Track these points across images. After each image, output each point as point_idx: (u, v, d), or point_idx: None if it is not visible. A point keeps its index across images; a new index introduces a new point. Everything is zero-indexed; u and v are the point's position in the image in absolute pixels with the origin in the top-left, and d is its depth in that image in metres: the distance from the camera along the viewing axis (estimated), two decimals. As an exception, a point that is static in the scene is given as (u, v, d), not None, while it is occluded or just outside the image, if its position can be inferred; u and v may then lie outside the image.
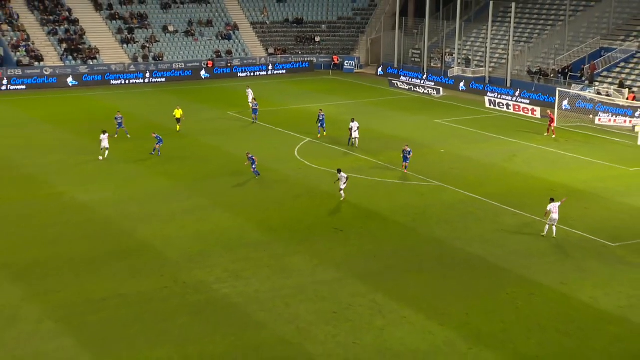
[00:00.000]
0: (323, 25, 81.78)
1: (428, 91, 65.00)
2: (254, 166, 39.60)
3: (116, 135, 47.16)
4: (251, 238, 32.08)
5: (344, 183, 36.05)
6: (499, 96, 60.87)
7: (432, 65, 72.12)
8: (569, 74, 61.29)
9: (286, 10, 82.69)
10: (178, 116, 49.54)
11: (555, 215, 31.30)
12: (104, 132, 43.57)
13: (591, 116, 53.53)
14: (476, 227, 33.34)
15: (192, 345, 23.58)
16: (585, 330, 24.39)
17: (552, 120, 48.72)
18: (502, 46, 69.85)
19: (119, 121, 48.10)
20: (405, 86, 67.30)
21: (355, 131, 45.79)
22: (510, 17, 66.28)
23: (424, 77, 69.71)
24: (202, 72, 72.70)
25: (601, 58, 61.62)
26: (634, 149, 46.16)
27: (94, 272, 28.64)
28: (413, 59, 74.47)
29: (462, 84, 66.39)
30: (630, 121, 51.07)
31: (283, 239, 31.97)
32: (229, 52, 76.02)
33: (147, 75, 70.88)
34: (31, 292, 27.01)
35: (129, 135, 47.89)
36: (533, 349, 23.39)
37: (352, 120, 46.12)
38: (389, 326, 24.68)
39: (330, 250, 30.91)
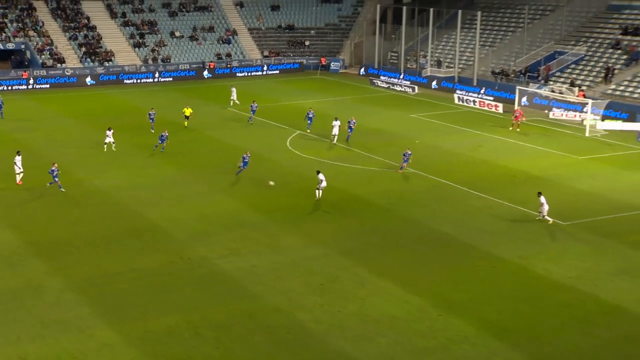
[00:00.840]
0: (312, 31, 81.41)
1: (404, 89, 64.90)
2: (243, 166, 37.24)
3: (152, 131, 46.39)
4: (248, 219, 32.04)
5: (321, 184, 33.73)
6: (466, 93, 60.85)
7: (408, 66, 71.97)
8: (527, 74, 61.33)
9: (279, 17, 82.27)
10: (187, 114, 48.98)
11: (546, 206, 30.90)
12: (110, 129, 43.13)
13: (546, 111, 53.61)
14: (447, 209, 33.40)
15: (196, 312, 23.59)
16: (539, 298, 24.54)
17: (518, 116, 48.36)
18: (469, 50, 69.77)
19: (152, 117, 47.41)
20: (384, 85, 67.15)
21: (335, 128, 45.09)
22: (477, 24, 66.20)
23: (401, 76, 69.57)
24: (205, 73, 72.28)
25: (555, 60, 61.70)
26: (583, 140, 46.32)
27: (110, 249, 28.56)
28: (391, 61, 74.30)
29: (434, 82, 66.29)
30: (580, 115, 51.17)
31: (277, 220, 31.95)
32: (228, 55, 75.64)
33: (156, 75, 70.43)
34: (54, 266, 26.92)
35: (152, 130, 47.06)
36: (494, 314, 23.52)
37: (335, 119, 45.76)
38: (370, 296, 24.74)
39: (318, 229, 30.91)
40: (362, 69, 74.91)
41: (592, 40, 62.81)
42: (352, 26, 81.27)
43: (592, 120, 48.61)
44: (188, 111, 48.96)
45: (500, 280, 25.97)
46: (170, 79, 70.81)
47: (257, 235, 30.13)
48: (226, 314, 23.59)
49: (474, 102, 57.68)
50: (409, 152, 38.78)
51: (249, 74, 74.18)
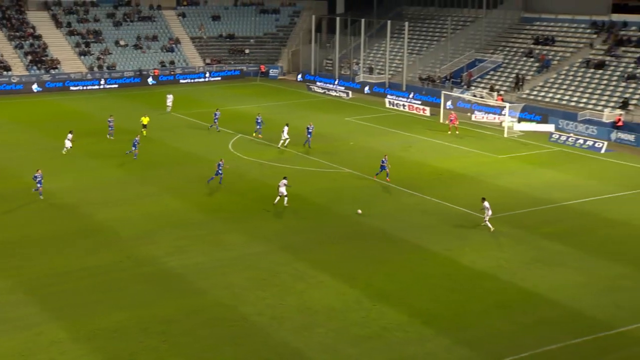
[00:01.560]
0: (251, 40, 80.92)
1: (339, 94, 65.21)
2: (220, 172, 35.67)
3: (111, 137, 44.74)
4: (194, 219, 31.61)
5: (284, 189, 32.66)
6: (396, 98, 61.55)
7: (342, 72, 72.31)
8: (451, 79, 62.49)
9: (220, 27, 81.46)
10: (145, 122, 46.73)
11: (489, 212, 30.00)
12: (71, 132, 41.93)
13: (469, 114, 54.72)
14: (380, 206, 33.70)
15: (144, 309, 23.12)
16: (465, 286, 25.01)
17: (453, 120, 48.80)
18: (398, 57, 70.61)
19: (111, 124, 45.62)
20: (320, 90, 67.31)
21: (284, 133, 44.50)
22: (404, 34, 67.06)
23: (336, 82, 69.84)
24: (150, 79, 70.95)
25: (476, 67, 63.07)
26: (502, 141, 47.47)
27: (59, 250, 27.70)
28: (326, 68, 74.53)
29: (367, 88, 66.83)
30: (499, 118, 52.42)
31: (221, 219, 31.63)
32: (172, 62, 74.47)
33: (102, 82, 68.70)
34: (3, 267, 25.92)
35: (111, 137, 45.23)
36: (425, 303, 23.85)
37: (286, 125, 45.14)
38: (309, 289, 24.73)
39: (260, 227, 30.75)
40: (300, 76, 74.92)
41: (508, 49, 64.47)
42: (289, 35, 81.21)
43: (510, 122, 49.86)
44: (146, 120, 47.15)
45: (429, 271, 26.36)
46: (116, 85, 69.21)
47: (202, 234, 29.75)
48: (173, 309, 23.18)
49: (404, 105, 58.42)
50: (385, 160, 36.55)
51: (192, 80, 73.21)
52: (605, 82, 54.24)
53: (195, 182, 37.00)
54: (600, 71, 55.39)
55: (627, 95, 51.46)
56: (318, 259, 27.31)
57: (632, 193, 35.63)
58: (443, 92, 56.03)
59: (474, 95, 56.67)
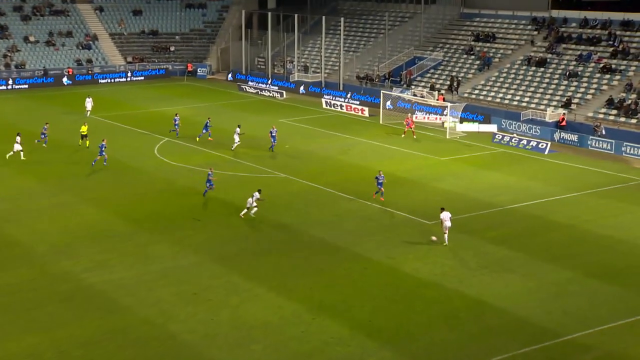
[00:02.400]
0: (177, 36, 79.88)
1: (273, 94, 65.09)
2: (209, 185, 35.18)
3: (44, 145, 42.95)
4: (116, 230, 30.84)
5: (252, 200, 32.07)
6: (333, 98, 61.89)
7: (276, 71, 72.21)
8: (391, 78, 63.29)
9: (142, 22, 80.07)
10: (84, 131, 43.75)
11: (448, 223, 29.69)
12: (18, 134, 41.16)
13: (409, 114, 55.44)
14: (317, 213, 33.71)
15: (61, 330, 22.35)
16: (409, 296, 25.24)
17: (410, 124, 48.83)
18: (334, 55, 71.04)
19: (45, 132, 43.55)
20: (252, 90, 67.02)
21: (236, 136, 44.30)
22: (340, 30, 67.53)
23: (269, 82, 69.72)
24: (64, 79, 69.04)
25: (415, 65, 64.10)
26: (444, 142, 48.32)
27: (-38, 269, 26.47)
28: (259, 66, 74.29)
29: (302, 87, 66.95)
30: (440, 118, 53.37)
31: (146, 230, 30.98)
32: (89, 61, 72.70)
33: (10, 82, 66.41)
34: None
35: (44, 145, 43.44)
36: (367, 314, 23.94)
37: (238, 126, 45.03)
38: (244, 303, 24.47)
39: (189, 237, 30.28)
40: (230, 75, 74.43)
41: (447, 46, 65.81)
42: (217, 32, 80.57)
43: (452, 122, 50.84)
44: (85, 128, 43.66)
45: (371, 280, 26.49)
46: (26, 86, 67.03)
47: (125, 246, 29.07)
48: (94, 330, 22.49)
49: (341, 106, 58.77)
50: (382, 176, 35.09)
51: (112, 80, 71.65)
52: (547, 80, 56.03)
53: (118, 190, 36.12)
54: (542, 69, 57.20)
55: (569, 94, 53.30)
56: (253, 270, 27.07)
57: (577, 195, 36.86)
58: (382, 91, 56.68)
59: (414, 95, 57.53)
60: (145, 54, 76.94)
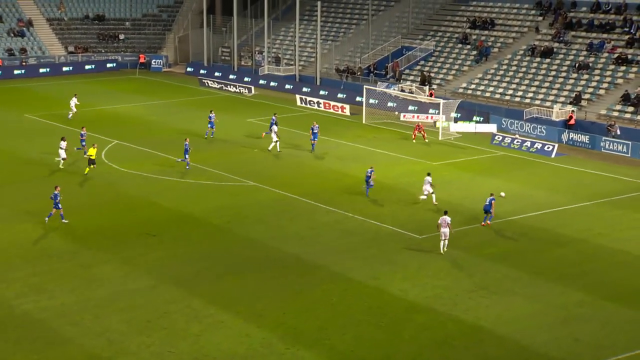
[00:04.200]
0: (127, 22, 79.71)
1: (239, 90, 65.17)
2: (186, 158, 39.93)
3: (85, 155, 41.78)
4: (55, 248, 30.65)
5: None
6: (309, 94, 62.10)
7: (243, 63, 72.35)
8: (375, 71, 63.66)
9: (85, 6, 79.80)
10: (92, 155, 39.98)
11: (444, 230, 30.31)
12: (63, 139, 41.04)
13: (397, 113, 55.85)
14: (291, 226, 33.77)
15: (-8, 367, 22.13)
16: (396, 322, 25.36)
17: (422, 130, 48.85)
18: (310, 44, 71.34)
19: (83, 137, 43.09)
20: (216, 85, 67.05)
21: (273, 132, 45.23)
22: (317, 16, 67.79)
23: (235, 75, 69.78)
24: (-6, 72, 68.68)
25: (403, 56, 64.57)
26: (436, 144, 48.67)
27: None
28: (223, 57, 74.37)
29: (273, 82, 67.10)
30: (432, 117, 53.75)
31: (90, 247, 30.82)
32: (23, 50, 72.24)
33: None
34: None
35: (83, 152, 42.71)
36: (349, 343, 24.00)
37: (275, 123, 46.15)
38: (206, 332, 24.43)
39: (142, 256, 30.17)
40: (189, 67, 74.38)
41: (440, 34, 66.40)
42: (175, 17, 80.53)
43: (445, 122, 51.25)
44: (93, 151, 40.36)
45: (353, 304, 26.57)
46: (-53, 79, 66.51)
47: (67, 267, 28.91)
48: (30, 365, 22.31)
49: (318, 103, 58.98)
50: (370, 170, 37.16)
51: (51, 73, 71.25)
52: (553, 73, 56.72)
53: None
54: (548, 60, 57.91)
55: (578, 89, 53.99)
56: (216, 293, 27.03)
57: (588, 204, 37.31)
58: (365, 86, 56.99)
59: (402, 91, 57.93)
60: (90, 43, 76.66)
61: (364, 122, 53.93)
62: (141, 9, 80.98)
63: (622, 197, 38.35)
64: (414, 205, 36.66)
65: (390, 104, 57.05)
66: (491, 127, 51.43)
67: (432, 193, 33.31)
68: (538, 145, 46.95)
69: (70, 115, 52.61)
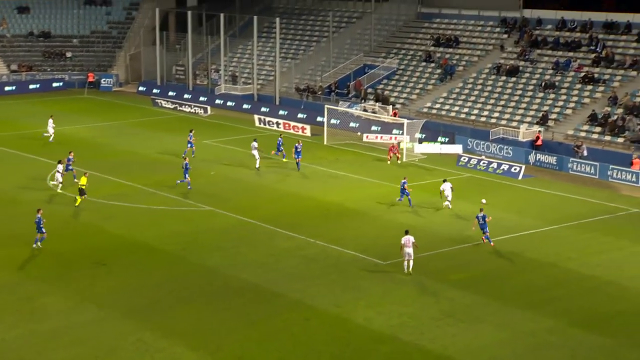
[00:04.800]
0: (74, 39, 79.19)
1: (195, 110, 64.95)
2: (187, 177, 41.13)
3: (75, 180, 41.54)
4: (-2, 279, 30.08)
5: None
6: (268, 114, 62.13)
7: (198, 82, 72.25)
8: (336, 90, 63.99)
9: (30, 22, 79.13)
10: (84, 184, 39.27)
11: (408, 250, 30.91)
12: (60, 162, 41.40)
13: (359, 133, 56.10)
14: (249, 252, 33.62)
15: None
16: (359, 353, 25.30)
17: (396, 151, 49.05)
18: (269, 62, 71.51)
19: (70, 162, 42.62)
20: (170, 105, 66.77)
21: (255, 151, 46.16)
22: (275, 33, 68.02)
23: (190, 95, 69.58)
24: None
25: (365, 75, 65.03)
26: (401, 166, 48.94)
27: None
28: (177, 76, 74.17)
29: (230, 102, 67.03)
30: (396, 137, 54.04)
31: (33, 278, 30.33)
32: (-37, 69, 71.41)
33: None
34: None
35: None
36: (311, 376, 23.84)
37: (255, 140, 46.73)
38: (159, 366, 24.12)
39: (90, 286, 29.77)
40: (142, 87, 74.03)
41: (403, 52, 67.07)
42: (126, 34, 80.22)
43: (409, 143, 51.58)
44: (84, 180, 39.53)
45: (315, 334, 26.46)
46: None
47: (9, 300, 28.43)
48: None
49: (278, 124, 59.02)
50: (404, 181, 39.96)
51: (-7, 93, 70.54)
52: (519, 92, 57.58)
53: None
54: (514, 79, 58.78)
55: (545, 108, 54.84)
56: (171, 325, 26.74)
57: (556, 228, 37.75)
58: (326, 106, 57.20)
59: (365, 110, 58.24)
60: (35, 61, 75.99)
61: (325, 143, 54.08)
62: (90, 25, 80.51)
63: (590, 219, 38.90)
64: (378, 229, 36.75)
65: (352, 124, 57.32)
66: (457, 148, 51.90)
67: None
68: (505, 167, 47.49)
69: (52, 139, 52.32)
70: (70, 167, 42.87)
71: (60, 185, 41.16)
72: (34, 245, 33.10)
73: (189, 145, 48.91)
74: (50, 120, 53.01)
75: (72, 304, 28.23)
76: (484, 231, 34.58)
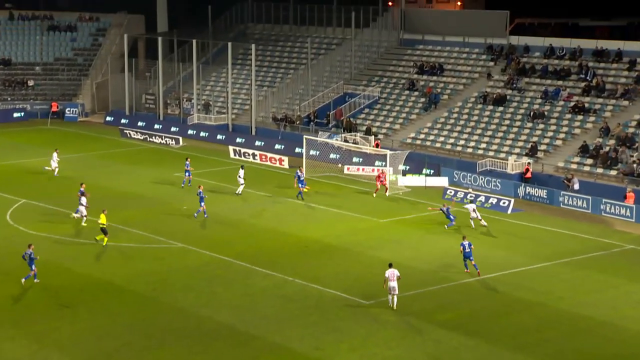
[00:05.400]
0: (37, 67, 79.15)
1: (166, 141, 64.96)
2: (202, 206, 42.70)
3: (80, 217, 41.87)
4: (-46, 323, 29.79)
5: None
6: (243, 145, 62.23)
7: (170, 112, 72.32)
8: (315, 120, 64.29)
9: (-11, 48, 79.16)
10: (104, 222, 39.01)
11: (392, 284, 31.20)
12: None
13: (340, 165, 56.32)
14: (224, 292, 33.53)
15: None
16: (344, 399, 25.23)
17: (384, 180, 49.16)
18: (244, 90, 71.82)
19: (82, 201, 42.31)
20: (139, 136, 66.75)
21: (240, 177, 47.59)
22: (251, 60, 68.37)
23: (161, 125, 69.61)
24: None
25: (346, 103, 65.44)
26: (384, 199, 49.12)
27: None
28: (147, 105, 74.22)
29: (203, 132, 67.11)
30: (379, 169, 54.24)
31: (-5, 321, 30.02)
32: None
33: None
34: None
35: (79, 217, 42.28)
36: None
37: (241, 168, 48.40)
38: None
39: (54, 330, 29.51)
40: (109, 117, 74.01)
41: (385, 79, 67.64)
42: (92, 61, 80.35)
43: (393, 175, 51.82)
44: (104, 218, 39.15)
45: (294, 379, 26.36)
46: None
47: (-32, 345, 28.09)
48: None
49: (254, 155, 59.14)
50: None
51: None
52: (507, 122, 58.14)
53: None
54: (501, 108, 59.38)
55: (534, 139, 55.36)
56: (140, 371, 26.54)
57: (547, 265, 37.94)
58: (305, 136, 57.42)
59: (346, 141, 58.54)
60: (-5, 89, 75.83)
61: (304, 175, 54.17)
62: (53, 52, 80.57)
63: (583, 256, 39.15)
64: (361, 266, 36.78)
65: (332, 156, 57.55)
66: (442, 181, 52.21)
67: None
68: (493, 200, 47.82)
69: (57, 172, 52.36)
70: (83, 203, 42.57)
71: (85, 218, 41.64)
72: (25, 280, 33.23)
73: (187, 174, 49.83)
74: (55, 154, 52.87)
75: (33, 350, 27.95)
76: (469, 259, 35.16)
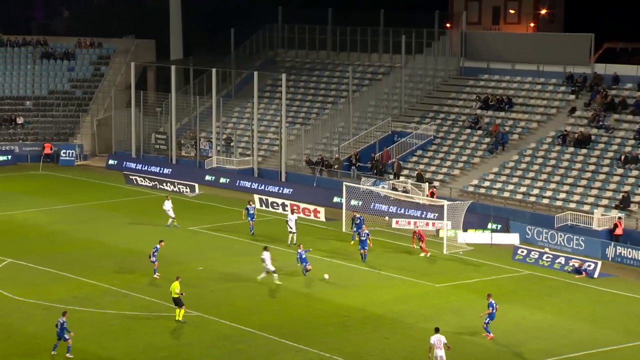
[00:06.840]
0: (28, 102, 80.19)
1: (179, 189, 65.26)
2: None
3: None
4: None
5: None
6: (272, 194, 62.27)
7: (184, 154, 72.71)
8: (358, 164, 64.19)
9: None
10: (177, 292, 38.88)
11: (440, 352, 31.51)
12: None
13: (387, 218, 56.06)
14: (249, 372, 33.38)
15: None
16: None
17: (422, 236, 49.04)
18: (272, 129, 72.05)
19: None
20: (147, 182, 67.11)
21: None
22: (281, 92, 68.62)
23: (173, 169, 69.98)
24: None
25: (395, 144, 65.20)
26: (441, 260, 48.73)
27: None
28: (157, 147, 74.70)
29: (223, 178, 67.34)
30: (434, 224, 53.95)
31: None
32: None
33: None
34: None
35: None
36: None
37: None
38: None
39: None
40: (112, 160, 74.60)
41: (442, 116, 67.50)
42: (93, 95, 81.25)
43: (451, 231, 51.46)
44: (177, 286, 39.01)
45: None
46: None
47: None
48: None
49: (284, 206, 59.13)
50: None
51: None
52: (592, 167, 57.61)
53: None
54: (585, 150, 58.90)
55: (626, 188, 54.73)
56: None
57: (645, 341, 37.30)
58: (345, 183, 57.39)
59: (394, 189, 58.36)
60: (-23, 129, 77.01)
61: (343, 230, 54.03)
62: (47, 84, 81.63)
63: (688, 330, 38.42)
64: (410, 340, 36.36)
65: (378, 207, 57.34)
66: (512, 238, 51.75)
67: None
68: (575, 263, 47.19)
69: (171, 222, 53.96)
70: (154, 259, 44.02)
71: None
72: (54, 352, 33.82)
73: (250, 218, 52.69)
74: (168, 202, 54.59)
75: None
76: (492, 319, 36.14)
